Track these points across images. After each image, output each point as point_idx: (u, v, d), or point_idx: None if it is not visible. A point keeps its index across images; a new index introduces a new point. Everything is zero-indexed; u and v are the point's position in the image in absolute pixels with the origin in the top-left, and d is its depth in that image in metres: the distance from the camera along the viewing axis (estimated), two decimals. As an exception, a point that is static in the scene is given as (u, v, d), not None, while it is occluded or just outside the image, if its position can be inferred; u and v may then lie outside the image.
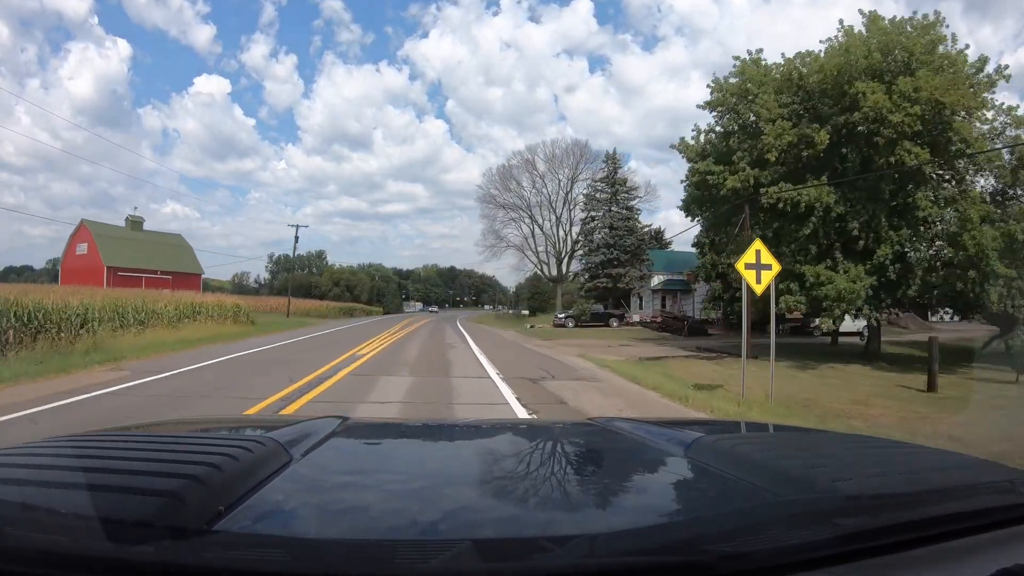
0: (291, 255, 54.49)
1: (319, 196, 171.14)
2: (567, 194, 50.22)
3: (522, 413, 6.31)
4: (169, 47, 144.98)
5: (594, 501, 0.99)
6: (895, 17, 16.64)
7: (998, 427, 7.61)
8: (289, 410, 6.24)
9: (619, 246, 38.02)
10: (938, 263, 16.50)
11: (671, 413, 6.52)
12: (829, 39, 16.98)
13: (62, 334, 15.09)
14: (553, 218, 51.01)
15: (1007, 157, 16.08)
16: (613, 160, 40.78)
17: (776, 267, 9.63)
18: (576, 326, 31.86)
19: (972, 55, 15.81)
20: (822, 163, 16.31)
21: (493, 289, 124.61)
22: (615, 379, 9.91)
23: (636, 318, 36.10)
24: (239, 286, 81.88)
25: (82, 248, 47.10)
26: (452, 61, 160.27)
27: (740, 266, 9.27)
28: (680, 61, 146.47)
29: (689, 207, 31.47)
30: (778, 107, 16.36)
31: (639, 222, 40.17)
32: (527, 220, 51.26)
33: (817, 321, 27.11)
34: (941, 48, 15.96)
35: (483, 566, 0.66)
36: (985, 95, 15.56)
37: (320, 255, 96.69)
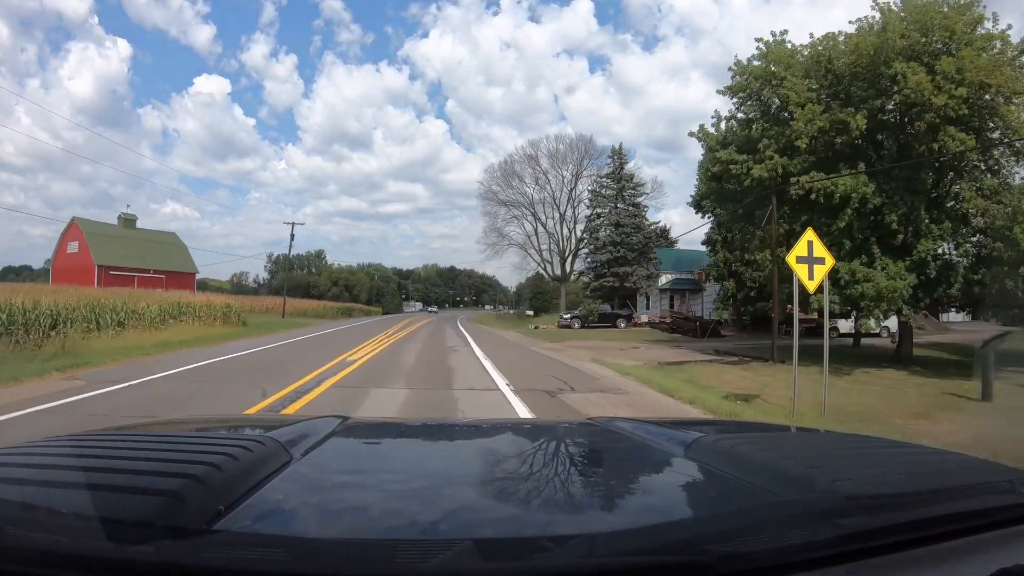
0: (289, 255, 53.25)
1: (319, 196, 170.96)
2: (571, 191, 48.92)
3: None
4: (169, 47, 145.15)
5: (594, 501, 0.98)
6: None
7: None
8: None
9: (625, 244, 36.58)
10: (979, 259, 15.23)
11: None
12: (859, 19, 15.73)
13: (30, 336, 13.93)
14: (557, 215, 49.70)
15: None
16: (619, 155, 39.28)
17: (830, 260, 8.37)
18: (582, 327, 30.50)
19: (1014, 36, 14.56)
20: (856, 151, 15.03)
21: (493, 289, 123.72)
22: (642, 390, 8.63)
23: (644, 319, 34.69)
24: (238, 286, 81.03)
25: (73, 247, 45.95)
26: (452, 61, 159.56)
27: (791, 260, 7.99)
28: (680, 61, 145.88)
29: (701, 203, 30.31)
30: (807, 91, 15.09)
31: (646, 219, 38.78)
32: (530, 217, 49.99)
33: (833, 321, 26.04)
34: (981, 29, 14.71)
35: (483, 566, 0.65)
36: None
37: (319, 255, 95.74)
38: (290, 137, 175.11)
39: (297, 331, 24.04)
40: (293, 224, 43.19)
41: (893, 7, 15.17)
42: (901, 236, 14.17)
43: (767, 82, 15.76)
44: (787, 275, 16.14)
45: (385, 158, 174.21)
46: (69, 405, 6.51)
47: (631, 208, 38.16)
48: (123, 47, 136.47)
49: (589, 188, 42.79)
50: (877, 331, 21.75)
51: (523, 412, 6.35)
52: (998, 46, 14.22)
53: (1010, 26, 14.70)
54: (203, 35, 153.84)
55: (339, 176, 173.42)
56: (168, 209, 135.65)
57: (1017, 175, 15.95)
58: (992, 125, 14.47)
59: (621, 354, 15.67)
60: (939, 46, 14.42)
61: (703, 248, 33.58)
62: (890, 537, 0.75)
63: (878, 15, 15.15)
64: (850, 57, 15.02)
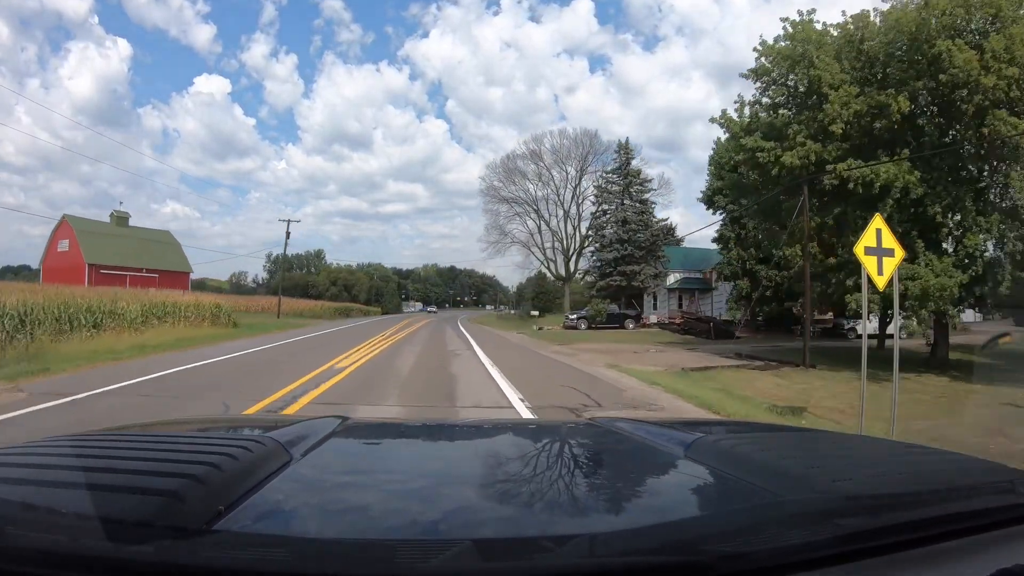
0: (287, 253, 52.06)
1: (319, 196, 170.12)
2: (575, 187, 47.70)
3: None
4: (169, 47, 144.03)
5: (594, 501, 0.98)
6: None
7: None
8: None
9: (632, 241, 35.22)
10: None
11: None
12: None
13: (-6, 338, 12.77)
14: (560, 213, 48.47)
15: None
16: (626, 150, 37.88)
17: (899, 252, 7.14)
18: (589, 328, 29.17)
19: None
20: (894, 138, 13.79)
21: (494, 289, 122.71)
22: (678, 404, 7.39)
23: (653, 319, 33.34)
24: (237, 286, 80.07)
25: (63, 245, 44.78)
26: (452, 61, 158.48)
27: (859, 251, 6.77)
28: (681, 61, 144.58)
29: (713, 198, 29.16)
30: (840, 72, 13.86)
31: (654, 216, 37.33)
32: (533, 215, 48.78)
33: (851, 322, 24.77)
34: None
35: (483, 566, 0.65)
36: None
37: (319, 254, 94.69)
38: (290, 137, 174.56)
39: (289, 332, 22.80)
40: (288, 221, 41.97)
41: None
42: (946, 229, 12.95)
43: (796, 63, 14.51)
44: (818, 272, 14.99)
45: (385, 158, 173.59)
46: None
47: (638, 204, 36.79)
48: (123, 47, 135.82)
49: (595, 184, 41.50)
50: (891, 333, 20.48)
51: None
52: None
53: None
54: (203, 35, 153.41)
55: (339, 176, 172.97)
56: (168, 209, 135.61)
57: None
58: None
59: (637, 358, 14.42)
60: (984, 25, 13.24)
61: (713, 246, 32.38)
62: (890, 537, 0.75)
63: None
64: (887, 36, 13.80)
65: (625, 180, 37.34)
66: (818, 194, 14.28)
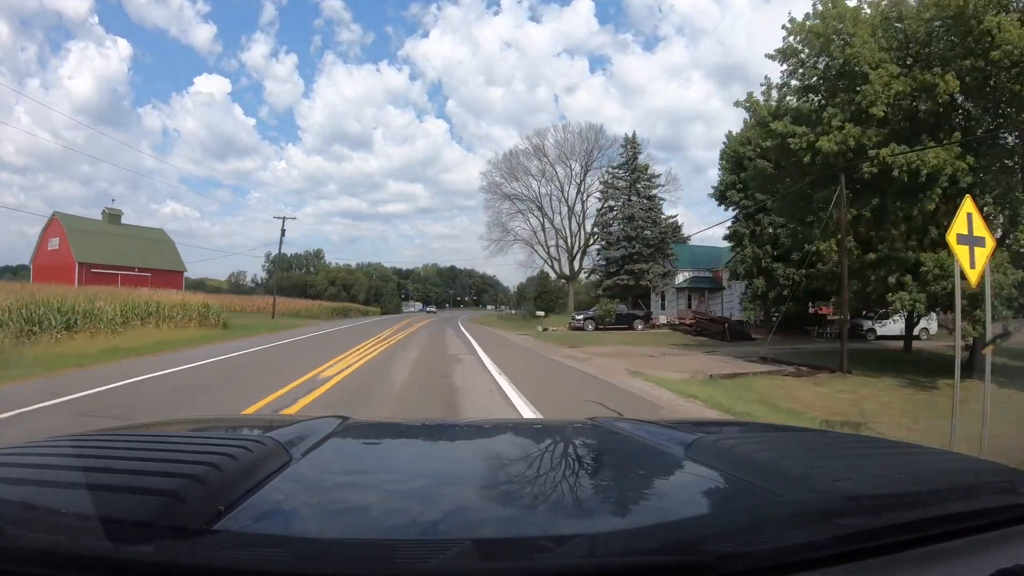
0: (285, 253, 50.88)
1: (319, 196, 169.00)
2: (580, 183, 46.53)
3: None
4: (169, 46, 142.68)
5: (594, 501, 0.98)
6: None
7: None
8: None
9: (640, 239, 33.94)
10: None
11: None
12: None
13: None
14: (564, 210, 47.30)
15: None
16: (633, 144, 36.52)
17: (991, 242, 6.01)
18: (596, 328, 27.91)
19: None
20: (939, 121, 12.62)
21: (494, 289, 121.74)
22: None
23: (662, 319, 32.08)
24: (235, 285, 79.12)
25: (54, 243, 43.68)
26: (452, 61, 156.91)
27: (951, 239, 5.61)
28: (681, 61, 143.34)
29: (725, 193, 27.93)
30: (879, 50, 12.68)
31: (662, 213, 36.05)
32: (536, 212, 47.62)
33: (870, 323, 23.55)
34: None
35: (483, 566, 0.65)
36: None
37: (318, 254, 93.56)
38: (290, 137, 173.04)
39: (281, 333, 21.60)
40: (284, 219, 40.82)
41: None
42: (1000, 220, 11.78)
43: (829, 41, 13.31)
44: (854, 269, 13.80)
45: (385, 158, 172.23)
46: None
47: (645, 201, 35.48)
48: (123, 46, 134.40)
49: (600, 179, 40.22)
50: (912, 333, 19.41)
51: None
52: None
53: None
54: (203, 35, 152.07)
55: (339, 176, 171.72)
56: (168, 209, 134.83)
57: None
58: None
59: (656, 363, 13.23)
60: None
61: (722, 244, 31.17)
62: (890, 537, 0.75)
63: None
64: (930, 11, 12.62)
65: (632, 175, 36.03)
66: (851, 184, 13.10)
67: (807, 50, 13.87)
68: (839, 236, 12.52)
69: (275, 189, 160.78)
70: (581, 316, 29.28)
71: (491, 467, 1.19)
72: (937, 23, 12.70)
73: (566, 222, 47.76)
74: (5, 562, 0.63)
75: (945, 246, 12.03)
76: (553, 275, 48.85)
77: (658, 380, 9.41)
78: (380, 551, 0.67)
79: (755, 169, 15.69)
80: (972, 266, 5.69)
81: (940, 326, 25.42)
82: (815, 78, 13.92)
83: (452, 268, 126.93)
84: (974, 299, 11.44)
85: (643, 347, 18.34)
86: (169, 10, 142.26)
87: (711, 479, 0.98)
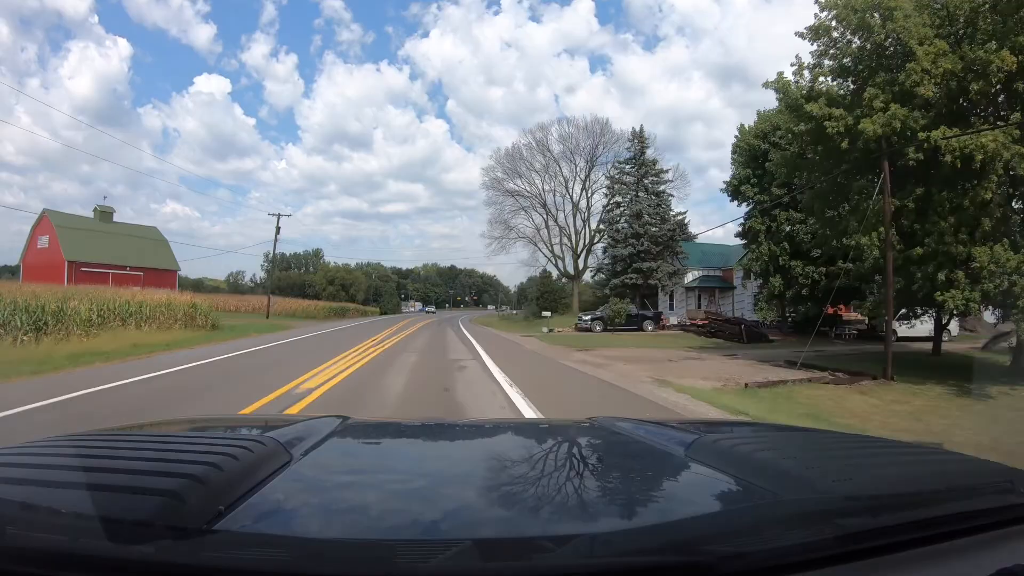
0: (284, 253, 49.75)
1: (319, 196, 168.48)
2: (585, 180, 45.41)
3: None
4: (169, 46, 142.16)
5: (594, 501, 0.96)
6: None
7: None
8: None
9: (648, 236, 32.72)
10: None
11: None
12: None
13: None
14: (569, 207, 46.19)
15: None
16: (640, 138, 35.29)
17: None
18: (604, 330, 26.69)
19: None
20: (991, 103, 11.46)
21: (494, 289, 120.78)
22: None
23: (673, 320, 30.84)
24: (234, 285, 78.25)
25: (43, 241, 42.53)
26: (453, 61, 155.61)
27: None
28: (681, 61, 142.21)
29: (739, 188, 26.69)
30: (923, 26, 11.51)
31: (670, 209, 34.77)
32: (540, 208, 46.50)
33: (904, 324, 22.45)
34: None
35: (483, 565, 0.65)
36: None
37: (317, 254, 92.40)
38: (290, 137, 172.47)
39: (272, 335, 20.42)
40: (279, 216, 39.54)
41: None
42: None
43: (866, 16, 12.13)
44: (896, 265, 12.63)
45: (385, 158, 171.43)
46: None
47: (653, 197, 34.24)
48: (123, 46, 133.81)
49: (607, 175, 38.98)
50: (929, 335, 18.41)
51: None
52: None
53: None
54: (203, 34, 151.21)
55: (339, 176, 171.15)
56: (168, 209, 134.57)
57: None
58: None
59: (679, 368, 12.05)
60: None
61: (733, 242, 30.00)
62: (890, 537, 0.74)
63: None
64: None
65: (640, 170, 34.77)
66: (892, 173, 11.92)
67: (840, 27, 12.69)
68: (880, 229, 11.34)
69: (275, 189, 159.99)
70: (588, 316, 28.02)
71: (491, 467, 1.17)
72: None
73: (570, 219, 46.68)
74: (5, 562, 0.63)
75: (1000, 240, 10.95)
76: (556, 274, 47.70)
77: (689, 390, 8.24)
78: (380, 551, 0.67)
79: (782, 158, 14.47)
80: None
81: (961, 328, 24.36)
82: (849, 57, 12.74)
83: (452, 268, 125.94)
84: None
85: (658, 350, 17.15)
86: (169, 10, 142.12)
87: (711, 479, 0.97)
